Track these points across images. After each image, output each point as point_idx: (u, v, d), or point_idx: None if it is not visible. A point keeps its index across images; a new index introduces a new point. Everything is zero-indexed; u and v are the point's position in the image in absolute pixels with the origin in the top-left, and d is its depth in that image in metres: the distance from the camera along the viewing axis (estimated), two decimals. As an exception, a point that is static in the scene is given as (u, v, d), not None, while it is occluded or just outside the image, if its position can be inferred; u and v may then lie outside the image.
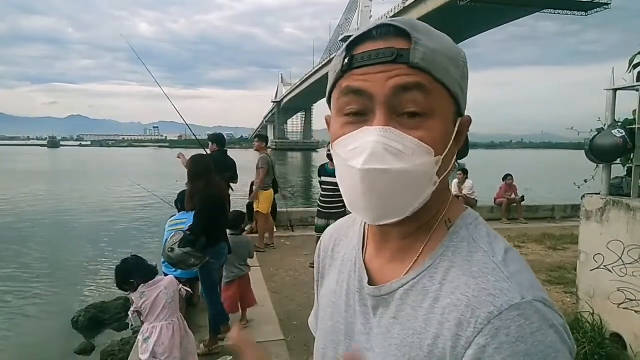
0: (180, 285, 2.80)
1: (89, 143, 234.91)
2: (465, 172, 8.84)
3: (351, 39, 0.53)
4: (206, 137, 6.08)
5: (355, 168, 0.48)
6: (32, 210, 14.65)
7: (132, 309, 2.67)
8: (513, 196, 8.78)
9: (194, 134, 6.84)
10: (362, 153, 0.48)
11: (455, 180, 8.77)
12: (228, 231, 3.70)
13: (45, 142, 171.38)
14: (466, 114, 0.55)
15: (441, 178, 0.52)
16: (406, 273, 0.54)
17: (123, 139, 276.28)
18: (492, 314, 0.45)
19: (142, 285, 2.64)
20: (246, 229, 7.22)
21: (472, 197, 8.52)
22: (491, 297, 0.46)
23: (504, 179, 9.06)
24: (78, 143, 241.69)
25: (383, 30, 0.50)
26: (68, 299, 6.60)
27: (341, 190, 0.53)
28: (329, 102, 0.56)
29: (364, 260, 0.61)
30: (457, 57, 0.52)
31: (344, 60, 0.51)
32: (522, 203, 8.89)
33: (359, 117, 0.50)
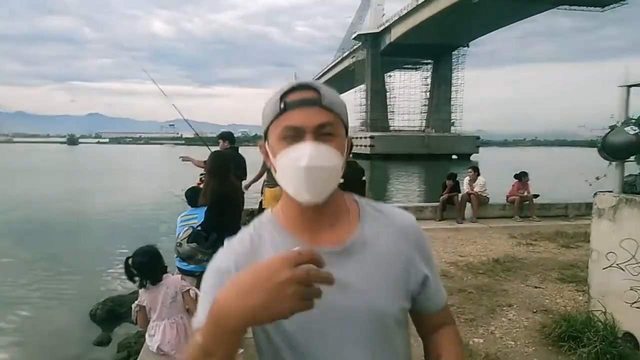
0: (190, 287, 2.79)
1: (107, 140, 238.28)
2: (476, 169, 8.75)
3: (283, 92, 0.81)
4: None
5: (301, 166, 0.76)
6: (51, 206, 15.00)
7: (135, 302, 2.73)
8: (526, 194, 8.63)
9: (196, 132, 6.96)
10: (304, 157, 0.77)
11: (467, 178, 8.70)
12: None
13: (64, 140, 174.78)
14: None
15: (341, 173, 0.83)
16: (349, 234, 0.86)
17: (140, 136, 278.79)
18: (413, 226, 0.92)
19: (147, 282, 2.67)
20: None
21: (484, 194, 8.46)
22: (406, 219, 0.93)
23: (516, 176, 8.89)
24: (96, 140, 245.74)
25: (302, 87, 0.82)
26: (86, 292, 6.76)
27: (283, 184, 0.81)
28: (265, 134, 0.84)
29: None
30: (343, 103, 0.86)
31: (280, 104, 0.80)
32: (535, 201, 8.74)
33: (295, 138, 0.79)
